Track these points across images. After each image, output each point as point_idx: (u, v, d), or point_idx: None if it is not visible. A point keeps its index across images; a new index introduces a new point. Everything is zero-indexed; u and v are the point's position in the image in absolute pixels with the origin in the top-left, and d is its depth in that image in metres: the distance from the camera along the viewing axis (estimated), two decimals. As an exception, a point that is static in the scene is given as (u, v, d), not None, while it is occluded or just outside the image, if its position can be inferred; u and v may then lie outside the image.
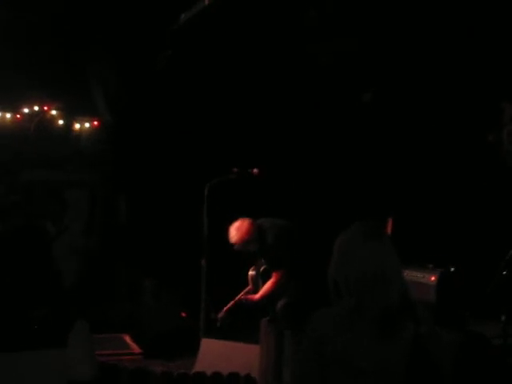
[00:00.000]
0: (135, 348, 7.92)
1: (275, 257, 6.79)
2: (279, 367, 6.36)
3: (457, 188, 8.52)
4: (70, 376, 2.79)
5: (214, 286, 7.31)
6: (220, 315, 7.03)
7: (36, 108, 10.21)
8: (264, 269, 6.99)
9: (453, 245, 8.09)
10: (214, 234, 7.19)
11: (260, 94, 9.48)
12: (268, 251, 6.82)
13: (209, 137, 9.69)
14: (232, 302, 7.09)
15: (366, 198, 8.90)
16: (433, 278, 7.54)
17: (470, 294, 7.36)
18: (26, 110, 10.16)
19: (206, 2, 8.40)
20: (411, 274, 7.47)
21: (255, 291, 7.05)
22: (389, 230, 7.71)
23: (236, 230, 6.75)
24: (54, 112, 10.33)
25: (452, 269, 7.69)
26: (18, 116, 10.17)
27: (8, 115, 10.13)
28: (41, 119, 10.23)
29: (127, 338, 8.22)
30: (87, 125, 10.56)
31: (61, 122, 10.40)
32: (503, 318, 6.36)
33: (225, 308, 7.07)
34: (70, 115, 10.46)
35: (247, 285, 7.24)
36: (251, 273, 7.19)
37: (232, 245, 6.84)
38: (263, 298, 6.86)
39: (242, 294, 7.12)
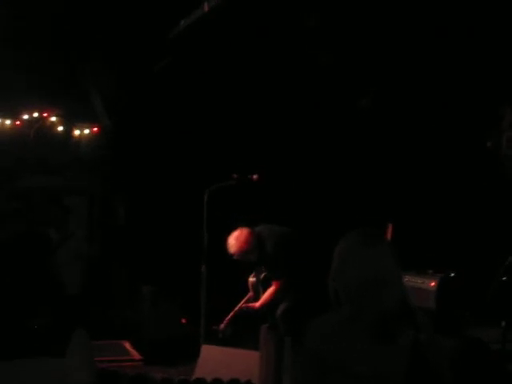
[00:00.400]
0: (135, 354, 7.93)
1: (275, 265, 6.78)
2: (279, 373, 6.36)
3: (456, 193, 8.52)
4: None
5: (214, 292, 7.31)
6: (221, 327, 7.00)
7: (35, 114, 10.22)
8: (265, 276, 6.98)
9: (452, 250, 8.09)
10: (214, 240, 7.19)
11: (259, 100, 9.49)
12: (267, 260, 6.80)
13: (208, 142, 9.70)
14: (232, 313, 7.05)
15: (366, 205, 8.91)
16: (433, 284, 7.54)
17: (470, 300, 7.37)
18: (25, 117, 10.17)
19: (206, 8, 8.42)
20: (411, 280, 7.47)
21: (256, 298, 7.04)
22: (389, 235, 7.71)
23: (235, 240, 6.72)
24: (53, 118, 10.33)
25: (452, 274, 7.69)
26: (18, 122, 10.18)
27: (8, 121, 10.14)
28: (40, 125, 10.24)
29: (127, 345, 8.22)
30: (87, 131, 10.57)
31: (60, 128, 10.40)
32: (503, 323, 6.36)
33: (225, 319, 7.03)
34: (70, 121, 10.47)
35: (247, 291, 7.23)
36: (252, 279, 7.18)
37: (231, 255, 6.81)
38: (263, 306, 6.85)
39: (243, 302, 7.09)
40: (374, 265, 2.67)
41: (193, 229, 7.61)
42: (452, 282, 7.64)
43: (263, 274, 6.97)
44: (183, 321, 8.29)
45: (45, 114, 10.28)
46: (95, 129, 10.53)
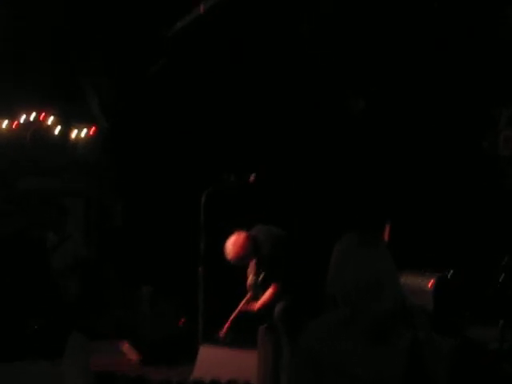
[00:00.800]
0: (134, 355, 7.93)
1: (273, 267, 6.78)
2: (277, 374, 6.37)
3: (453, 193, 8.53)
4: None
5: (212, 293, 7.31)
6: (222, 334, 6.98)
7: (32, 116, 10.21)
8: (263, 277, 6.98)
9: (450, 250, 8.10)
10: (211, 241, 7.19)
11: (256, 101, 9.49)
12: (265, 262, 6.81)
13: (205, 144, 9.70)
14: (231, 318, 7.03)
15: (363, 205, 8.92)
16: (430, 284, 7.54)
17: (468, 299, 7.38)
18: (22, 119, 10.15)
19: (202, 10, 8.43)
20: (408, 280, 7.47)
21: (255, 298, 7.04)
22: (386, 236, 7.72)
23: (232, 246, 6.71)
24: (50, 120, 10.32)
25: (449, 274, 7.70)
26: (15, 124, 10.17)
27: (4, 123, 10.13)
28: (37, 128, 10.23)
29: (126, 345, 8.22)
30: (84, 133, 10.56)
31: (57, 130, 10.39)
32: (501, 322, 6.37)
33: (225, 325, 7.02)
34: (67, 123, 10.45)
35: (244, 292, 7.22)
36: (250, 281, 7.17)
37: (229, 260, 6.80)
38: (262, 308, 6.85)
39: (243, 303, 7.08)
40: (370, 267, 2.68)
41: (190, 230, 7.62)
42: (449, 282, 7.64)
43: (262, 276, 6.97)
44: (181, 321, 8.29)
45: (42, 116, 10.26)
46: (92, 131, 10.52)
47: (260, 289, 6.94)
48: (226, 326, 6.95)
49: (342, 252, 2.77)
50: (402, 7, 8.21)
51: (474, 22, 7.94)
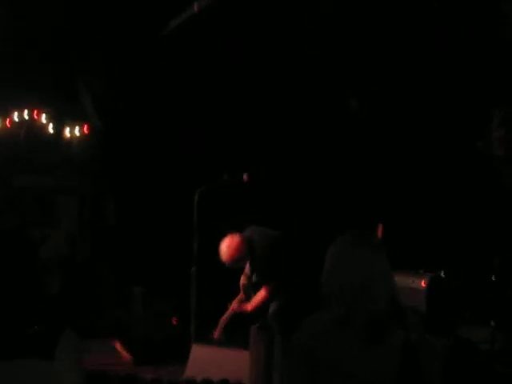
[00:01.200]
0: (125, 355, 7.92)
1: (265, 269, 6.78)
2: (269, 373, 6.36)
3: (446, 193, 8.54)
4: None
5: (204, 292, 7.30)
6: (216, 334, 6.97)
7: (26, 114, 10.18)
8: (257, 277, 6.97)
9: (443, 250, 8.10)
10: (204, 241, 7.19)
11: (250, 100, 9.49)
12: (258, 264, 6.80)
13: (199, 143, 9.69)
14: (225, 319, 7.02)
15: (356, 205, 8.92)
16: (423, 283, 7.55)
17: (460, 299, 7.38)
18: (15, 117, 10.13)
19: (196, 8, 8.42)
20: (401, 279, 7.47)
21: (247, 299, 7.03)
22: (379, 235, 7.72)
23: (226, 248, 6.70)
24: (43, 118, 10.30)
25: (442, 274, 7.70)
26: (8, 122, 10.14)
27: (-2, 122, 10.11)
28: (31, 126, 10.20)
29: (117, 345, 8.22)
30: (77, 131, 10.53)
31: (51, 128, 10.37)
32: (492, 323, 6.38)
33: (219, 326, 7.00)
34: (60, 122, 10.43)
35: (237, 292, 7.22)
36: (243, 281, 7.17)
37: (223, 263, 6.79)
38: (255, 308, 6.85)
39: (235, 303, 7.07)
40: (364, 268, 2.68)
41: (183, 229, 7.61)
42: (442, 282, 7.65)
43: (255, 276, 6.96)
44: (174, 321, 8.28)
45: (35, 114, 10.24)
46: (86, 129, 10.50)
47: (252, 289, 6.94)
48: (220, 326, 6.95)
49: (336, 253, 2.77)
50: (402, 7, 8.22)
51: (474, 22, 7.95)
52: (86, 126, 10.48)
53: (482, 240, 7.84)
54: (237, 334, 6.86)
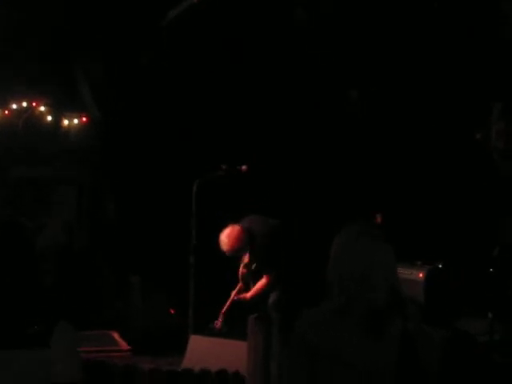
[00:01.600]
0: (124, 345, 7.92)
1: (266, 258, 6.78)
2: (267, 364, 6.37)
3: (445, 185, 8.54)
4: (53, 377, 2.78)
5: (203, 282, 7.30)
6: (218, 325, 6.97)
7: (24, 104, 10.16)
8: (256, 267, 6.98)
9: (441, 242, 8.11)
10: (203, 231, 7.18)
11: (249, 91, 9.47)
12: (258, 253, 6.80)
13: (198, 133, 9.68)
14: (225, 308, 7.02)
15: (355, 196, 8.92)
16: (421, 275, 7.55)
17: (458, 291, 7.39)
18: (14, 106, 10.11)
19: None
20: (399, 271, 7.47)
21: (246, 289, 7.04)
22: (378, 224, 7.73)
23: (227, 238, 6.70)
24: (42, 108, 10.28)
25: (440, 266, 7.71)
26: (7, 112, 10.12)
27: (-4, 111, 10.10)
28: (29, 115, 10.19)
29: (116, 335, 8.21)
30: (76, 121, 10.52)
31: (49, 118, 10.35)
32: (490, 315, 6.39)
33: (220, 316, 7.00)
34: (59, 111, 10.41)
35: (235, 282, 7.22)
36: (242, 270, 7.17)
37: (223, 252, 6.79)
38: (254, 297, 6.85)
39: (234, 293, 7.07)
40: (364, 257, 2.68)
41: (182, 220, 7.61)
42: (440, 274, 7.66)
43: (254, 265, 6.97)
44: (172, 311, 8.29)
45: (34, 104, 10.22)
46: (84, 119, 10.49)
47: (252, 279, 6.94)
48: (221, 315, 6.95)
49: (339, 244, 2.78)
50: (402, 7, 8.23)
51: (474, 22, 7.95)
52: (84, 115, 10.47)
53: (481, 231, 7.85)
54: (238, 324, 6.86)
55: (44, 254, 8.46)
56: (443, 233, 8.24)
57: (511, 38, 7.85)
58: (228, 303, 6.99)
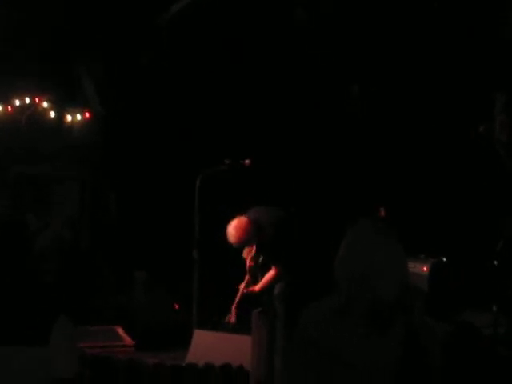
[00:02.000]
0: (128, 340, 7.93)
1: (273, 249, 6.77)
2: (271, 358, 6.37)
3: (448, 177, 8.53)
4: (52, 373, 2.78)
5: (206, 277, 7.30)
6: (232, 320, 6.97)
7: (27, 100, 10.16)
8: (263, 259, 6.97)
9: (445, 235, 8.10)
10: (206, 225, 7.18)
11: (251, 85, 9.47)
12: (266, 244, 6.79)
13: (201, 128, 9.68)
14: (236, 303, 7.01)
15: (359, 189, 8.91)
16: (425, 269, 7.55)
17: (462, 284, 7.39)
18: (17, 103, 10.11)
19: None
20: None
21: (254, 282, 7.03)
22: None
23: (235, 231, 6.69)
24: (45, 104, 10.28)
25: (444, 259, 7.70)
26: (10, 108, 10.13)
27: (-1, 108, 10.10)
28: (32, 111, 10.19)
29: (120, 330, 8.23)
30: (79, 116, 10.52)
31: (52, 114, 10.35)
32: (494, 308, 6.38)
33: (232, 310, 6.99)
34: (62, 107, 10.42)
35: (239, 276, 7.21)
36: (249, 263, 7.15)
37: (231, 244, 6.78)
38: (263, 289, 6.85)
39: (243, 286, 7.07)
40: (364, 256, 2.67)
41: (185, 214, 7.61)
42: (444, 267, 7.65)
43: (261, 258, 6.95)
44: (176, 306, 8.30)
45: (36, 100, 10.23)
46: (87, 114, 10.49)
47: (260, 271, 6.93)
48: (233, 310, 6.94)
49: (347, 244, 2.77)
50: (402, 6, 8.22)
51: (474, 22, 7.95)
52: (87, 111, 10.47)
53: (485, 224, 7.84)
54: (248, 317, 6.85)
55: (46, 252, 8.47)
56: (447, 226, 8.23)
57: (511, 38, 7.84)
58: (238, 297, 6.98)
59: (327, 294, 2.78)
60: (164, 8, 9.07)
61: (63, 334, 2.96)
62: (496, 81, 8.08)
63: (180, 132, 9.74)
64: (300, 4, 8.68)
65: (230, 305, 7.00)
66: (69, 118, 10.48)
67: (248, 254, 7.03)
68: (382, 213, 7.76)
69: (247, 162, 7.24)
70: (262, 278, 6.90)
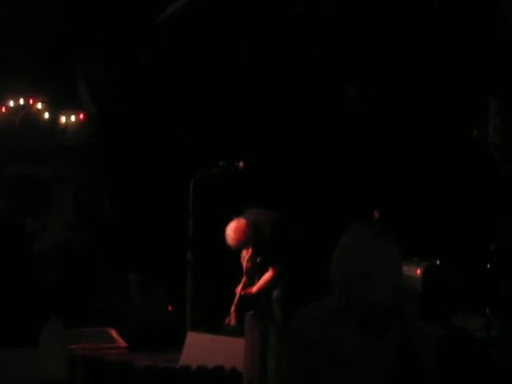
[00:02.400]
0: (121, 342, 7.93)
1: (272, 251, 6.77)
2: (264, 361, 6.38)
3: (442, 181, 8.54)
4: (41, 375, 2.77)
5: (200, 279, 7.30)
6: (232, 322, 6.96)
7: (21, 101, 10.15)
8: (261, 261, 6.96)
9: (438, 238, 8.11)
10: (200, 227, 7.18)
11: (247, 88, 9.47)
12: (264, 245, 6.79)
13: (195, 130, 9.68)
14: (234, 305, 7.00)
15: (353, 192, 8.92)
16: (418, 271, 7.56)
17: (456, 288, 7.40)
18: (11, 104, 10.10)
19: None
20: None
21: (251, 283, 7.02)
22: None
23: (233, 233, 6.68)
24: (39, 105, 10.27)
25: (437, 262, 7.72)
26: (4, 109, 10.11)
27: (-7, 109, 10.08)
28: (26, 113, 10.18)
29: (113, 332, 8.22)
30: (73, 118, 10.50)
31: (46, 115, 10.34)
32: (487, 311, 6.39)
33: (232, 312, 6.99)
34: (56, 109, 10.40)
35: (233, 278, 7.20)
36: (246, 265, 7.14)
37: (229, 247, 6.77)
38: (260, 291, 6.84)
39: (240, 288, 7.06)
40: (364, 256, 2.66)
41: (179, 217, 7.61)
42: (437, 270, 7.66)
43: (259, 259, 6.95)
44: (169, 308, 8.30)
45: (31, 101, 10.21)
46: (81, 116, 10.47)
47: (257, 272, 6.91)
48: (233, 312, 6.93)
49: (344, 244, 2.76)
50: (402, 6, 8.24)
51: (474, 22, 7.96)
52: (81, 113, 10.46)
53: (478, 228, 7.85)
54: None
55: (45, 254, 8.47)
56: (441, 229, 8.24)
57: (511, 38, 7.86)
58: (236, 299, 6.97)
59: (326, 294, 2.77)
60: (164, 8, 9.07)
61: (53, 336, 2.95)
62: (490, 85, 8.11)
63: (178, 132, 9.74)
64: (300, 4, 8.68)
65: (225, 306, 6.99)
66: (63, 119, 10.46)
67: (245, 255, 7.03)
68: (377, 215, 7.76)
69: (241, 164, 7.24)
70: (258, 280, 6.89)
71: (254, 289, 6.87)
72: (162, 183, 9.64)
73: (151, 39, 9.58)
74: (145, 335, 7.80)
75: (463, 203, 8.34)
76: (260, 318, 6.55)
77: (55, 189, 10.42)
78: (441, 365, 2.83)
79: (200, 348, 6.71)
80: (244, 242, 6.71)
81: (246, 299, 6.93)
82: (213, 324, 7.11)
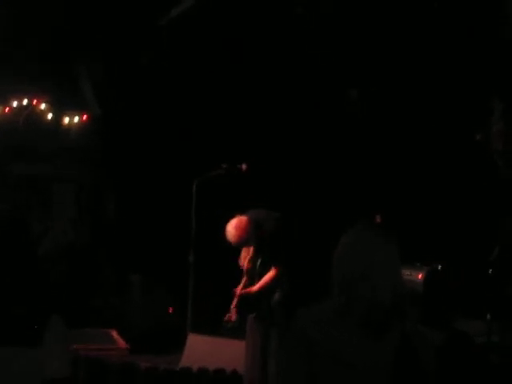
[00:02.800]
0: (122, 343, 7.93)
1: (274, 250, 6.76)
2: (265, 363, 6.37)
3: (444, 185, 8.54)
4: (44, 374, 2.77)
5: (202, 281, 7.30)
6: (233, 318, 6.95)
7: (25, 101, 10.15)
8: (261, 262, 6.95)
9: (440, 243, 8.10)
10: (202, 229, 7.18)
11: (248, 89, 9.47)
12: (266, 244, 6.78)
13: (198, 132, 9.68)
14: (235, 303, 7.00)
15: (355, 195, 8.92)
16: (420, 276, 7.55)
17: (457, 292, 7.39)
18: (14, 104, 10.10)
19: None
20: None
21: (251, 284, 7.01)
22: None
23: (234, 230, 6.68)
24: (43, 106, 10.27)
25: (439, 267, 7.71)
26: (7, 109, 10.11)
27: (-3, 109, 10.08)
28: (30, 113, 10.18)
29: (114, 333, 8.22)
30: (76, 119, 10.51)
31: (50, 115, 10.34)
32: (488, 316, 6.39)
33: (232, 309, 6.98)
34: (59, 109, 10.40)
35: (235, 280, 7.19)
36: (247, 265, 7.13)
37: (230, 243, 6.77)
38: (261, 290, 6.83)
39: (241, 288, 7.05)
40: (364, 256, 2.67)
41: (182, 218, 7.61)
42: (439, 275, 7.66)
43: (260, 259, 6.94)
44: (170, 310, 8.30)
45: (34, 102, 10.21)
46: (85, 117, 10.48)
47: (258, 273, 6.90)
48: (233, 309, 6.92)
49: (344, 244, 2.77)
50: (402, 7, 8.23)
51: (474, 22, 7.96)
52: (85, 113, 10.47)
53: (480, 233, 7.84)
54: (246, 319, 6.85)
55: (49, 255, 8.49)
56: (442, 234, 8.23)
57: (511, 38, 7.85)
58: (236, 298, 6.96)
59: (326, 294, 2.78)
60: (164, 8, 9.07)
61: (56, 335, 2.95)
62: (494, 88, 8.10)
63: (177, 136, 9.74)
64: (300, 4, 8.68)
65: (227, 308, 6.98)
66: (66, 119, 10.47)
67: (244, 256, 7.02)
68: (378, 219, 7.75)
69: (244, 166, 7.24)
70: (259, 281, 6.88)
71: (255, 288, 6.85)
72: (165, 185, 9.64)
73: (151, 39, 9.59)
74: (146, 336, 7.80)
75: (465, 208, 8.33)
76: (261, 321, 6.55)
77: (57, 189, 10.43)
78: (441, 366, 2.83)
79: (201, 350, 6.72)
80: (245, 239, 6.70)
81: (246, 298, 6.93)
82: (214, 326, 7.10)
